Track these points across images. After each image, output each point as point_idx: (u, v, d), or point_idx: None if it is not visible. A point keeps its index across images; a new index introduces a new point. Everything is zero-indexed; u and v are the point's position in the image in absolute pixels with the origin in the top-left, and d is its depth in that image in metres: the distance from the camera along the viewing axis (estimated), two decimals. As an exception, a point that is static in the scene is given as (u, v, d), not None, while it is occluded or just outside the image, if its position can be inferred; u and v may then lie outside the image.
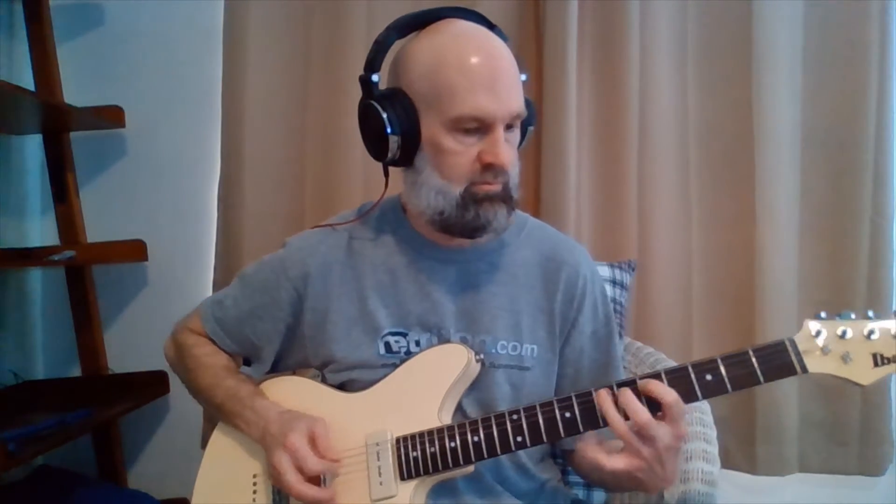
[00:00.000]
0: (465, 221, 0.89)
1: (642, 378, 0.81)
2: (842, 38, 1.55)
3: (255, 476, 0.97)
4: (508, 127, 0.88)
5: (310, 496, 0.86)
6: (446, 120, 0.86)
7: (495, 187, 0.89)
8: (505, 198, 0.90)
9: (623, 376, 1.08)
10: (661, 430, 0.78)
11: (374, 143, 0.90)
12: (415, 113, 0.88)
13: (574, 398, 0.84)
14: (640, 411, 0.78)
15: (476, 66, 0.85)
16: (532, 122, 0.98)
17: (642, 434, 0.78)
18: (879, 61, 1.53)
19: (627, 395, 0.79)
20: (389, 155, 0.90)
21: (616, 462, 0.80)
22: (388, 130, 0.87)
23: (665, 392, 0.78)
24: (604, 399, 0.80)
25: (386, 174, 0.97)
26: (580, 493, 1.24)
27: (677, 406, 0.78)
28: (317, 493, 0.86)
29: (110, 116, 1.73)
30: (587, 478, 1.05)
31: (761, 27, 1.53)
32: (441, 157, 0.88)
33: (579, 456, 0.99)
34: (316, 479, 0.88)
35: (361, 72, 0.91)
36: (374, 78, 0.90)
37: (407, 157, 0.90)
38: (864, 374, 0.76)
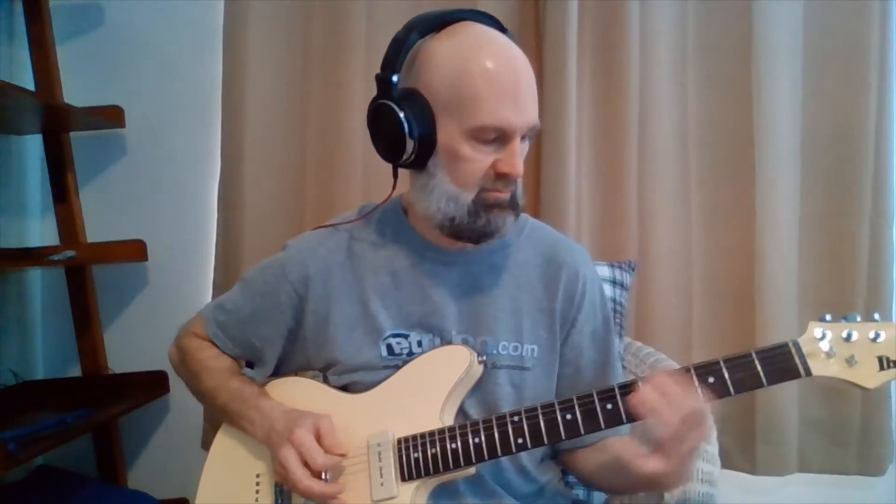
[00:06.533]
0: (476, 227, 0.89)
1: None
2: (842, 38, 1.55)
3: (258, 476, 0.98)
4: (522, 137, 0.89)
5: (317, 491, 0.86)
6: (467, 129, 0.85)
7: (505, 195, 0.89)
8: (513, 205, 0.91)
9: (621, 377, 1.09)
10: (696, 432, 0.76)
11: (389, 144, 0.89)
12: (432, 117, 0.87)
13: (575, 400, 0.83)
14: (695, 395, 0.76)
15: (501, 77, 0.84)
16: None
17: (691, 420, 0.75)
18: (879, 61, 1.53)
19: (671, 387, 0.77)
20: (403, 157, 0.89)
21: (655, 464, 0.78)
22: (406, 133, 0.86)
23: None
24: (648, 393, 0.78)
25: (395, 175, 0.96)
26: (580, 493, 1.24)
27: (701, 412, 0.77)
28: (324, 488, 0.86)
29: (110, 116, 1.73)
30: (588, 479, 1.05)
31: (761, 27, 1.53)
32: (456, 164, 0.88)
33: (582, 457, 0.99)
34: (318, 477, 0.88)
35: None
36: (395, 79, 0.87)
37: (421, 161, 0.89)
38: (870, 377, 0.75)
